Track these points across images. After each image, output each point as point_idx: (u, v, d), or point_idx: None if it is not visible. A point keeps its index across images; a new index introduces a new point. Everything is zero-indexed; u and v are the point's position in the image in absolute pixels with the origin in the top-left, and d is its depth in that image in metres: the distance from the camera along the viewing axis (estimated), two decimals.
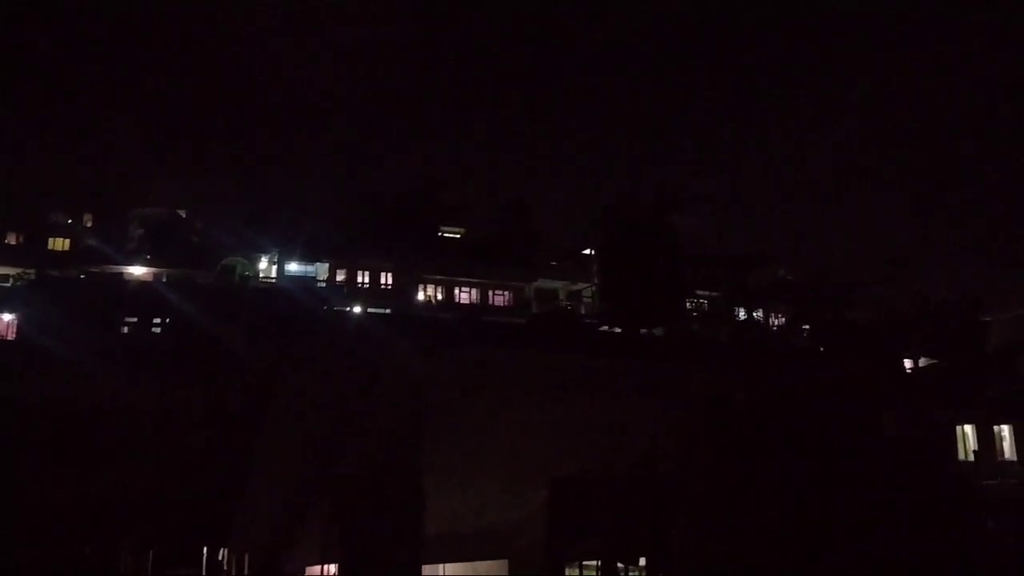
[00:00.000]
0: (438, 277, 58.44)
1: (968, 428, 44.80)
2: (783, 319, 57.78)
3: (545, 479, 33.28)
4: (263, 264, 56.74)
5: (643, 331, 49.85)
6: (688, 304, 57.34)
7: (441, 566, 32.57)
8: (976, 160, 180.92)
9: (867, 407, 39.71)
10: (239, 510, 30.33)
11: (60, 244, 54.74)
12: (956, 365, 49.40)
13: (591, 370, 36.25)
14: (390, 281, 57.14)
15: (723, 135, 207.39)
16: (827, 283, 54.53)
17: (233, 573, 30.56)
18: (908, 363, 52.68)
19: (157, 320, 41.79)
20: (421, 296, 57.88)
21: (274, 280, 54.94)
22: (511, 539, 32.91)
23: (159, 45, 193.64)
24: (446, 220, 64.20)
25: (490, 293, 59.53)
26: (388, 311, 52.88)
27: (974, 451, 44.08)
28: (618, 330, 50.82)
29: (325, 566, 30.67)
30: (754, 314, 57.57)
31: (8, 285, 46.92)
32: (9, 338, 40.97)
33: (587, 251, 61.50)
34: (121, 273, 52.47)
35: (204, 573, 30.78)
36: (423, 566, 30.90)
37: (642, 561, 34.44)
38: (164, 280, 51.71)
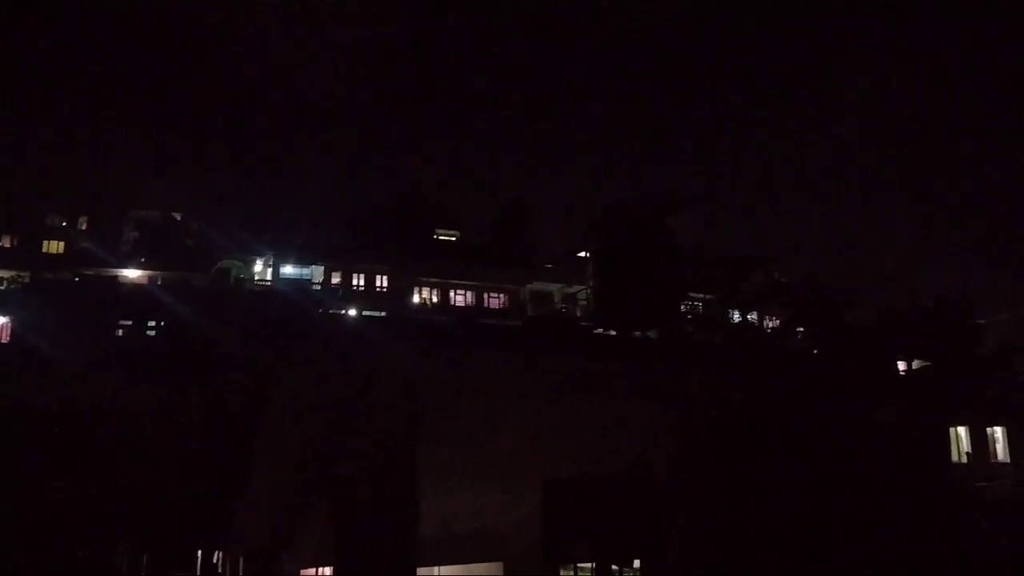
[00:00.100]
0: (433, 280, 58.53)
1: (962, 430, 45.01)
2: (778, 321, 57.91)
3: (541, 481, 33.36)
4: (258, 267, 56.78)
5: (638, 334, 49.98)
6: (683, 307, 57.49)
7: (437, 568, 32.55)
8: (975, 160, 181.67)
9: (862, 409, 39.85)
10: (235, 512, 30.31)
11: (55, 247, 54.63)
12: (950, 367, 49.58)
13: (586, 372, 36.36)
14: (385, 284, 57.23)
15: (723, 135, 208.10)
16: (823, 285, 54.72)
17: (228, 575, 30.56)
18: (902, 365, 52.86)
19: (152, 323, 41.76)
20: (417, 299, 57.95)
21: (269, 283, 54.95)
22: (507, 541, 32.94)
23: (154, 45, 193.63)
24: (442, 223, 64.32)
25: (486, 296, 59.61)
26: (383, 314, 52.94)
27: (967, 453, 44.27)
28: (613, 333, 50.95)
29: (320, 568, 30.67)
30: (748, 316, 57.72)
31: (2, 288, 46.84)
32: (3, 341, 40.90)
33: (582, 253, 61.62)
34: (116, 276, 52.40)
35: None
36: (418, 568, 30.92)
37: (637, 563, 34.50)
38: (159, 283, 51.65)
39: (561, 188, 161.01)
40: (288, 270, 55.31)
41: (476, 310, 57.42)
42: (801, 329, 54.64)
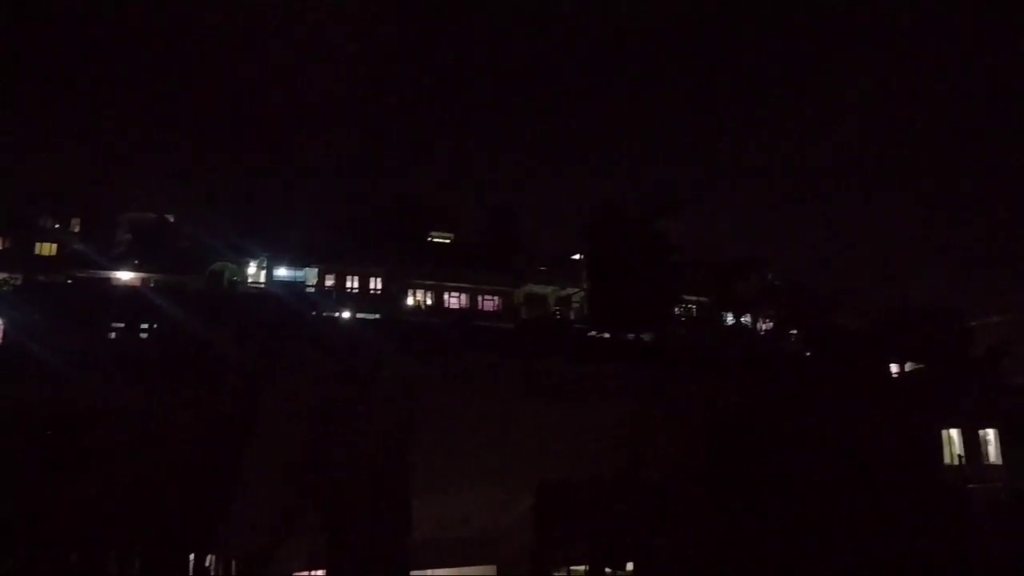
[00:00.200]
0: (427, 282, 58.47)
1: (954, 432, 45.12)
2: (770, 324, 58.08)
3: (533, 484, 33.40)
4: (252, 269, 56.61)
5: (632, 337, 50.04)
6: (677, 309, 57.61)
7: (429, 571, 32.56)
8: (974, 162, 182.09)
9: (855, 411, 39.99)
10: (227, 515, 30.25)
11: (47, 249, 54.41)
12: (942, 370, 49.81)
13: (580, 375, 36.42)
14: (379, 286, 57.14)
15: (721, 135, 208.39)
16: (815, 289, 54.93)
17: None
18: (894, 368, 53.05)
19: (145, 325, 41.63)
20: (410, 301, 57.88)
21: (263, 285, 54.85)
22: (499, 544, 32.99)
23: (154, 45, 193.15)
24: (437, 224, 64.33)
25: (479, 298, 59.57)
26: (377, 316, 52.82)
27: (959, 455, 44.41)
28: (607, 336, 51.01)
29: (312, 572, 30.64)
30: (742, 319, 57.88)
31: None
32: None
33: (577, 256, 61.69)
34: (109, 278, 52.25)
35: None
36: (411, 571, 30.93)
37: (630, 566, 34.56)
38: (152, 285, 51.51)
39: (560, 188, 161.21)
40: (282, 272, 55.22)
41: (470, 313, 57.40)
42: (794, 332, 54.82)
